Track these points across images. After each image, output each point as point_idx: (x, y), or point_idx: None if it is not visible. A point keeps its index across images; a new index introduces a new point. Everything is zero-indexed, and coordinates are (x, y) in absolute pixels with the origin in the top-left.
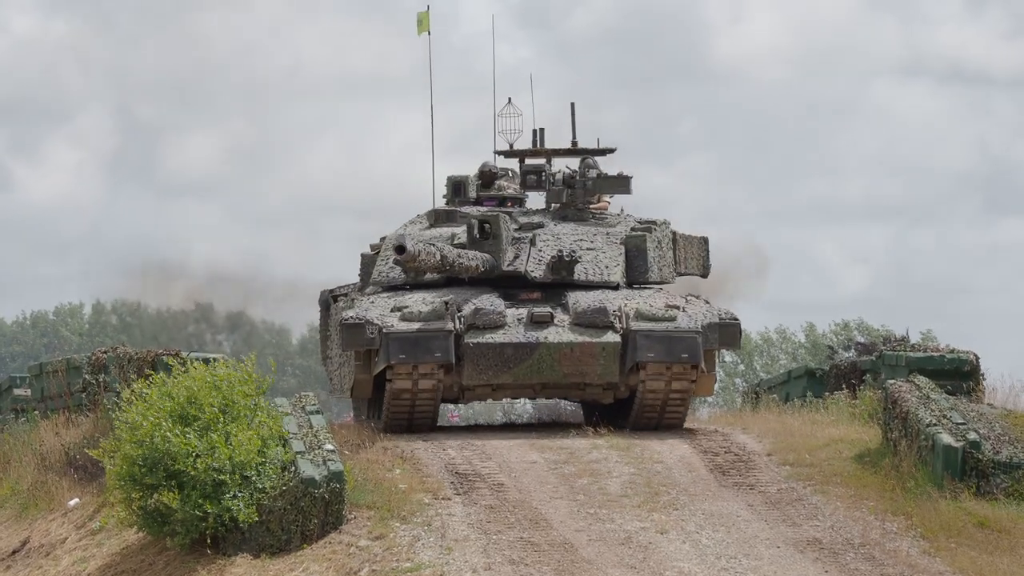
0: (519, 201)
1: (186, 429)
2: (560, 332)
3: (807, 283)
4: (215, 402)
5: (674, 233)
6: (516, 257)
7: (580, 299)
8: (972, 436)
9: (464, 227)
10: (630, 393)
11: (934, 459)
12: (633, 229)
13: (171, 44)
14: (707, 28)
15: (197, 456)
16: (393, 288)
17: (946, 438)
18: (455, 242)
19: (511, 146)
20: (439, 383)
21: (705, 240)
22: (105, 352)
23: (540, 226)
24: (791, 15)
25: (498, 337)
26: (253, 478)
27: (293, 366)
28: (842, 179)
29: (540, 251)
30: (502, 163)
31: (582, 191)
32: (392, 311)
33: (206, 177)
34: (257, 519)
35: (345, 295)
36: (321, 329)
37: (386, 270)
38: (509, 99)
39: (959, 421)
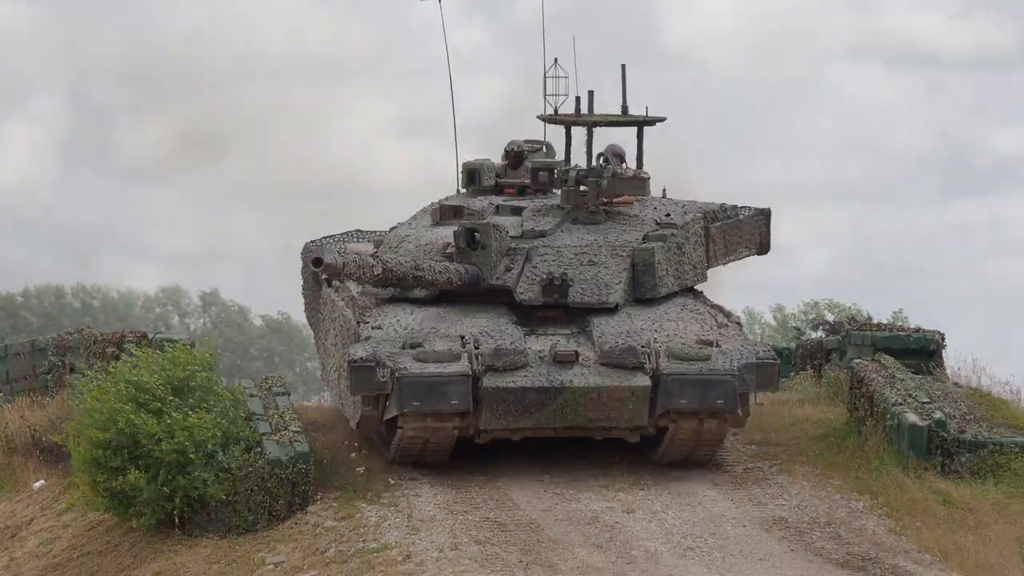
0: (544, 188)
1: (144, 414)
2: (586, 375)
3: (768, 265)
4: (163, 383)
5: (708, 227)
6: (508, 270)
7: (606, 331)
8: (938, 415)
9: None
10: (657, 432)
11: (900, 438)
12: (646, 237)
13: (125, 27)
14: (659, 11)
15: (159, 439)
16: (393, 301)
17: (912, 417)
18: (448, 251)
19: (556, 111)
20: (454, 429)
21: (765, 213)
22: (70, 334)
23: (543, 235)
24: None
25: (519, 380)
26: (218, 456)
27: (258, 348)
28: (799, 161)
29: (535, 267)
30: (541, 132)
31: (595, 192)
32: (403, 348)
33: (161, 160)
34: (224, 497)
35: (339, 278)
36: (306, 291)
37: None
38: (556, 60)
39: (925, 400)
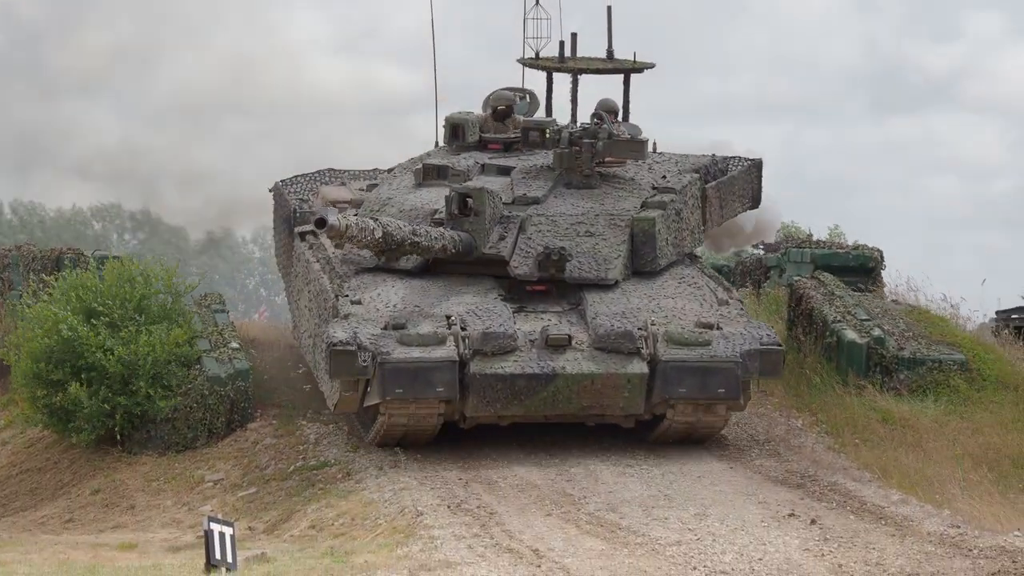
0: (536, 144)
1: (94, 322)
2: (579, 360)
3: None
4: (130, 296)
5: (704, 189)
6: (501, 239)
7: (600, 311)
8: (876, 332)
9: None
10: (653, 417)
11: (839, 355)
12: (644, 204)
13: None
14: None
15: (108, 350)
16: (374, 271)
17: (851, 334)
18: (436, 216)
19: (537, 55)
20: (439, 416)
21: (757, 165)
22: (9, 250)
23: (536, 202)
24: None
25: (509, 366)
26: (162, 374)
27: (198, 264)
28: (733, 78)
29: (529, 238)
30: (526, 79)
31: (589, 154)
32: (386, 329)
33: (93, 75)
34: (165, 413)
35: (314, 233)
36: (277, 235)
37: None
38: (537, 0)
39: (864, 317)
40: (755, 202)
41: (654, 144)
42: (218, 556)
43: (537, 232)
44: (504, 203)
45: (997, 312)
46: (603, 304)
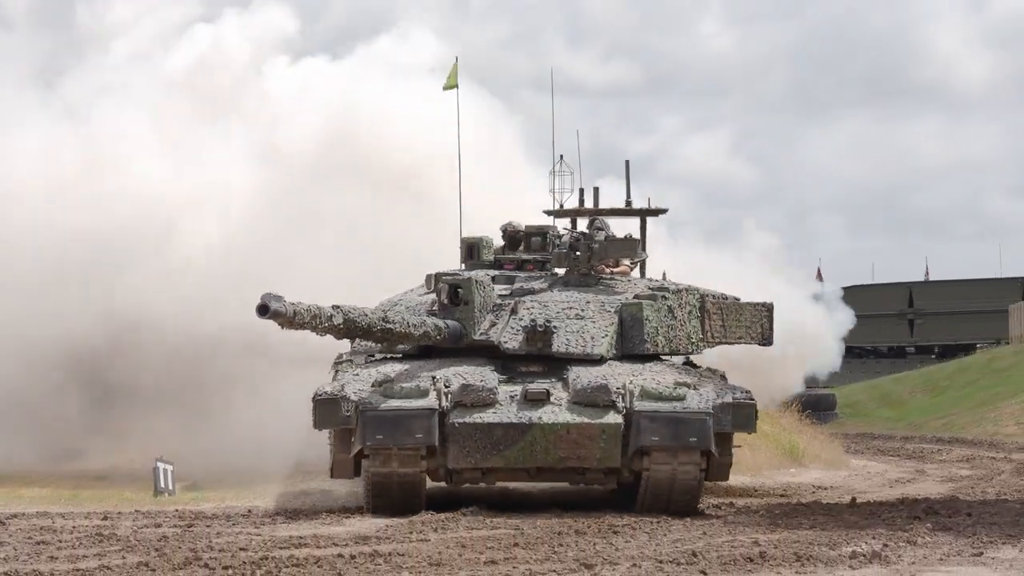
0: (542, 263)
1: None
2: (556, 412)
3: None
4: None
5: (703, 299)
6: (493, 325)
7: (582, 375)
8: None
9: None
10: (635, 479)
11: None
12: (636, 296)
13: None
14: None
15: None
16: (386, 359)
17: None
18: (432, 308)
19: (561, 205)
20: (422, 466)
21: (767, 307)
22: None
23: (531, 292)
24: None
25: (487, 416)
26: None
27: None
28: None
29: (520, 319)
30: (549, 222)
31: (586, 255)
32: (373, 385)
33: None
34: None
35: (350, 361)
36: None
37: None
38: (561, 156)
39: None
40: (764, 340)
41: (664, 274)
42: (162, 485)
43: (528, 313)
44: (500, 295)
45: None
46: (585, 371)
